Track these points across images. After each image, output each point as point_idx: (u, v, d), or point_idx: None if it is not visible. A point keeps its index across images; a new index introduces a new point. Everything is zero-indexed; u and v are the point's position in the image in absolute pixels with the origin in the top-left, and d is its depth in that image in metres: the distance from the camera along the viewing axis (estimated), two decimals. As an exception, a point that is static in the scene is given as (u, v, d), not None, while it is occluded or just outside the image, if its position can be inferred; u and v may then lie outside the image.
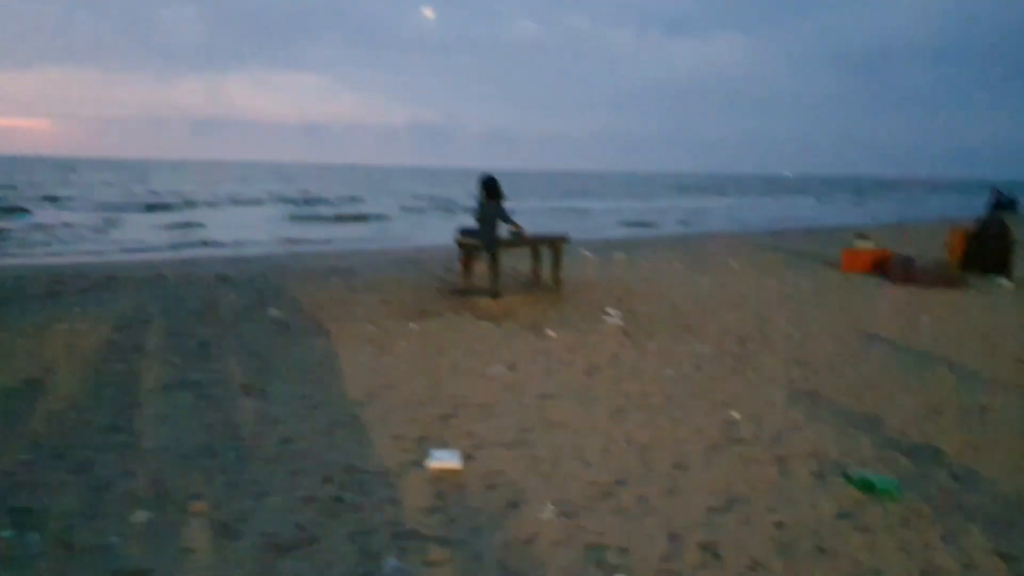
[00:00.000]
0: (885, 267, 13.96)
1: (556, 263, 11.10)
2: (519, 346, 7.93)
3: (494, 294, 10.29)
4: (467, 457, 4.94)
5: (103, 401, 5.83)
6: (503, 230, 10.40)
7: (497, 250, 10.30)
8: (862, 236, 16.25)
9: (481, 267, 10.70)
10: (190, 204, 38.97)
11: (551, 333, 8.46)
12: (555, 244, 11.12)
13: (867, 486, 4.76)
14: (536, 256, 11.43)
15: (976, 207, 41.95)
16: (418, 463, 4.82)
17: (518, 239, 10.64)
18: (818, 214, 46.77)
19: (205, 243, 21.45)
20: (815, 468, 5.01)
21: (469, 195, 51.89)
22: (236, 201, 43.51)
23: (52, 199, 39.09)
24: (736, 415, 5.95)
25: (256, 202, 43.31)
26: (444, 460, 4.79)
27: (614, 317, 9.48)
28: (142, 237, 22.78)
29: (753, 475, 4.87)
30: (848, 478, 4.90)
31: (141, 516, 4.03)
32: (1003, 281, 13.40)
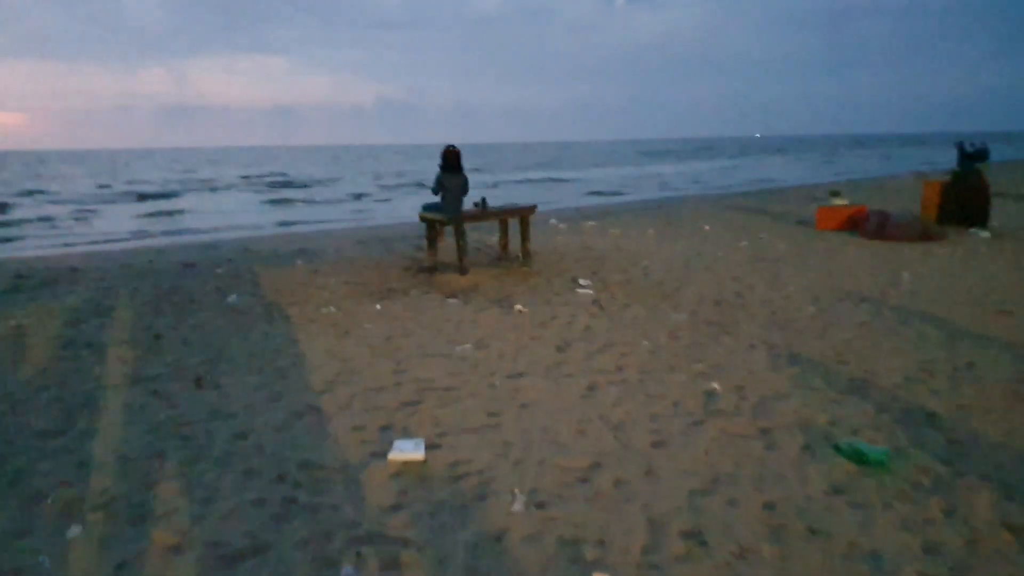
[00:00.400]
0: (860, 223, 13.73)
1: (524, 235, 10.77)
2: (488, 323, 7.61)
3: (461, 270, 9.95)
4: (432, 446, 4.63)
5: (43, 403, 5.44)
6: (467, 203, 10.06)
7: (462, 224, 9.95)
8: (836, 193, 16.01)
9: (447, 243, 10.35)
10: (164, 192, 38.17)
11: (521, 308, 8.13)
12: (523, 215, 10.78)
13: (858, 457, 4.49)
14: (504, 229, 11.10)
15: (944, 161, 41.83)
16: (380, 455, 4.50)
17: (484, 212, 10.29)
18: (790, 174, 46.65)
19: (175, 231, 20.90)
20: (802, 439, 4.73)
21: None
22: (212, 187, 42.69)
23: (27, 193, 38.20)
24: (716, 386, 5.67)
25: (230, 187, 42.49)
26: (407, 451, 4.46)
27: (586, 288, 9.18)
28: (115, 227, 22.18)
29: (737, 450, 4.58)
30: (838, 449, 4.63)
31: (76, 531, 3.68)
32: (982, 232, 13.21)
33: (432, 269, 10.21)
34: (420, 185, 38.95)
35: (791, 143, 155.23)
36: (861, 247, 12.25)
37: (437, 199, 10.02)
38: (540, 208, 24.03)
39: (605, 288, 9.22)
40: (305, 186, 42.44)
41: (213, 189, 41.39)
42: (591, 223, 16.02)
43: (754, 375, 5.93)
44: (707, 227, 15.03)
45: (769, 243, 12.78)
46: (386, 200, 32.21)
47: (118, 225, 22.97)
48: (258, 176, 53.32)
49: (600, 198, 30.80)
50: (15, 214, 27.12)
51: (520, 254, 10.86)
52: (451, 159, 9.85)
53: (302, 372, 6.08)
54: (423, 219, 10.28)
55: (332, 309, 8.19)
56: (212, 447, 4.66)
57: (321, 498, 4.00)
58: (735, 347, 6.69)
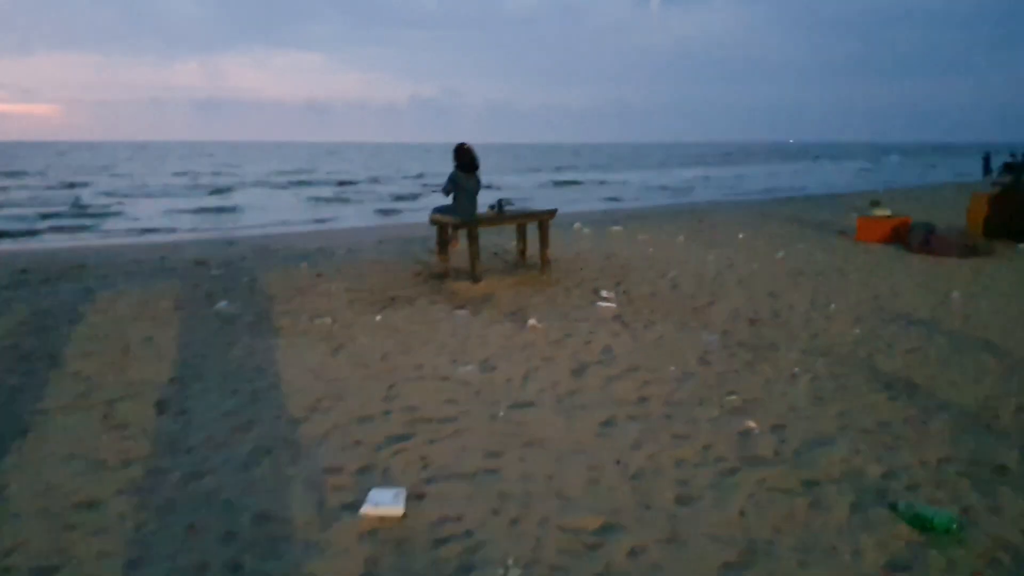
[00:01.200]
0: (904, 236, 12.85)
1: (543, 241, 10.03)
2: (497, 339, 6.88)
3: (474, 277, 9.24)
4: (416, 496, 3.92)
5: (-23, 429, 4.78)
6: (483, 206, 9.36)
7: (476, 228, 9.23)
8: (876, 203, 15.13)
9: (461, 247, 9.65)
10: (208, 186, 37.84)
11: (535, 323, 7.40)
12: (542, 220, 10.03)
13: (921, 523, 3.73)
14: (522, 234, 10.36)
15: (973, 171, 40.54)
16: (353, 507, 3.80)
17: (500, 215, 9.57)
18: (826, 181, 45.58)
19: (204, 228, 20.43)
20: (853, 496, 3.98)
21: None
22: (260, 183, 42.29)
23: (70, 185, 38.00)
24: (752, 424, 4.92)
25: (277, 185, 41.89)
26: (384, 504, 3.75)
27: (608, 301, 8.44)
28: (154, 221, 21.89)
29: (777, 510, 3.83)
30: (896, 510, 3.86)
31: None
32: (1033, 248, 12.32)
33: (443, 276, 9.51)
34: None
35: (826, 149, 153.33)
36: (905, 262, 11.39)
37: (449, 200, 9.30)
38: (565, 211, 23.28)
39: (629, 301, 8.48)
40: (349, 183, 42.00)
41: (262, 185, 40.94)
42: (617, 228, 15.25)
43: (795, 411, 5.17)
44: (741, 235, 14.20)
45: (808, 255, 11.95)
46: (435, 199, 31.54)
47: (157, 219, 22.64)
48: (305, 174, 52.69)
49: (628, 202, 30.02)
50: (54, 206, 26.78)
51: (538, 261, 10.12)
52: (465, 158, 9.14)
53: (281, 395, 5.39)
54: (434, 222, 9.57)
55: (327, 320, 7.50)
56: (157, 491, 3.97)
57: (272, 564, 3.30)
58: (773, 376, 5.93)
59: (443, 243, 9.56)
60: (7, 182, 39.64)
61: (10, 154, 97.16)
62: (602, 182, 39.73)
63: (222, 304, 8.11)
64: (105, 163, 68.85)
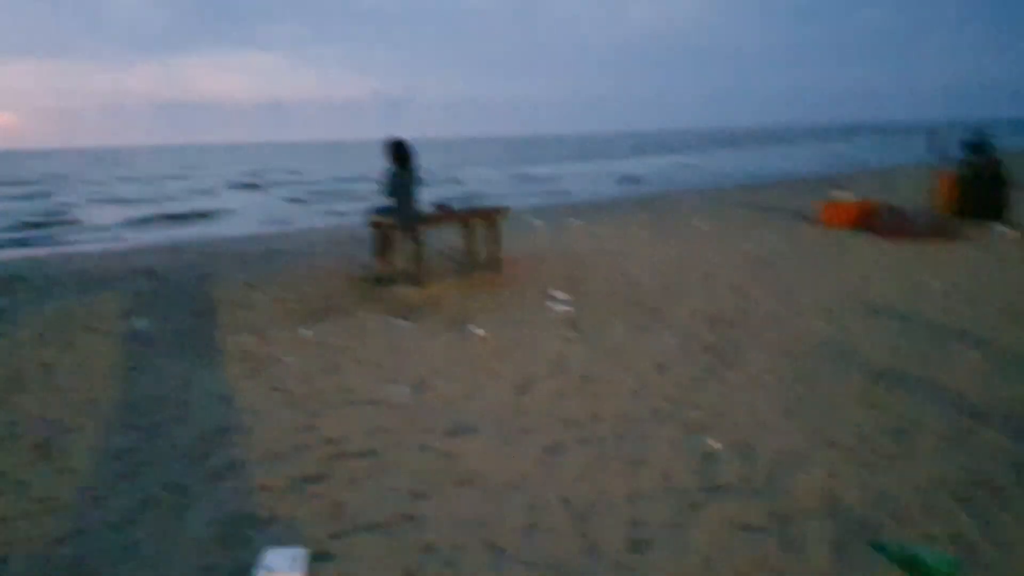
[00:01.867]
0: (871, 220, 12.39)
1: (493, 239, 9.41)
2: (438, 353, 6.27)
3: (417, 281, 8.60)
4: (319, 555, 3.29)
5: None
6: (425, 204, 8.74)
7: (418, 229, 8.60)
8: (838, 187, 14.67)
9: (402, 250, 9.02)
10: (169, 191, 36.80)
11: (479, 331, 6.80)
12: (490, 218, 9.41)
13: (917, 567, 3.14)
14: (471, 233, 9.74)
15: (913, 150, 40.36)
16: (244, 573, 3.15)
17: (444, 215, 8.94)
18: (790, 165, 45.39)
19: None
20: (833, 531, 3.43)
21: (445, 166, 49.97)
22: (216, 186, 41.25)
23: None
24: (715, 444, 4.35)
25: (235, 186, 40.86)
26: (278, 571, 3.12)
27: (561, 303, 7.85)
28: (109, 229, 21.09)
29: (747, 554, 3.26)
30: (884, 551, 3.27)
31: None
32: (1003, 228, 11.89)
33: (384, 281, 8.86)
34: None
35: (789, 133, 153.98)
36: (875, 247, 10.91)
37: (389, 201, 8.66)
38: (522, 205, 22.72)
39: (585, 302, 7.90)
40: (328, 183, 41.20)
41: (219, 187, 39.91)
42: (576, 222, 14.67)
43: (764, 426, 4.61)
44: (702, 225, 13.68)
45: (773, 244, 11.43)
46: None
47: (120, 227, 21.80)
48: (259, 174, 51.68)
49: (586, 195, 29.50)
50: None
51: (488, 261, 9.52)
52: (399, 151, 8.51)
53: (183, 430, 4.73)
54: (373, 225, 8.93)
55: (250, 337, 6.83)
56: (8, 564, 3.31)
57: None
58: (738, 383, 5.37)
59: (383, 246, 8.91)
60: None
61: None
62: (561, 175, 38.86)
63: (139, 323, 7.41)
64: (64, 171, 67.13)
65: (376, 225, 8.84)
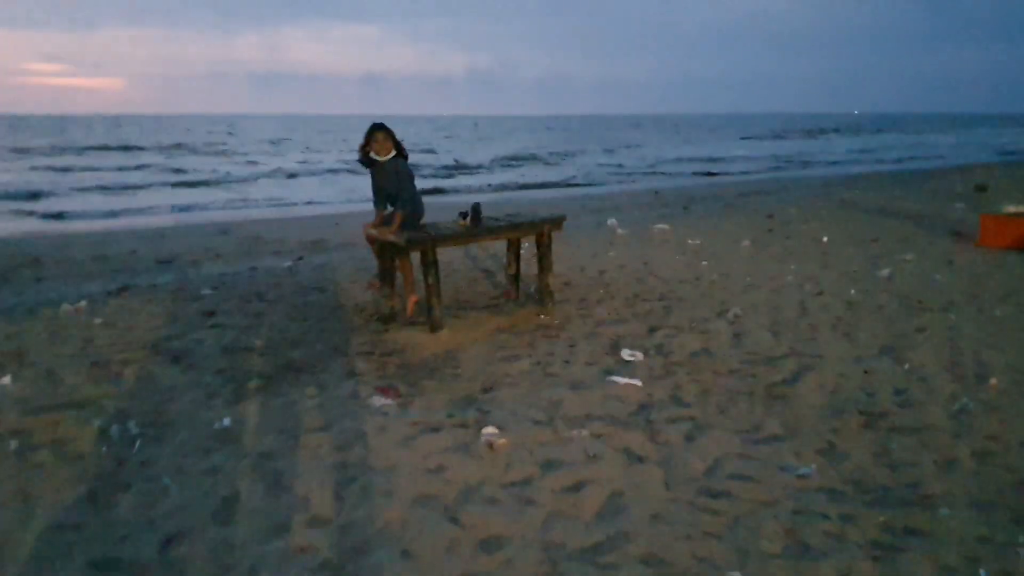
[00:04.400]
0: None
1: (543, 264, 6.83)
2: (413, 481, 3.77)
3: (432, 324, 6.09)
4: None
5: None
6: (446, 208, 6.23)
7: (434, 250, 6.08)
8: (983, 188, 11.62)
9: (410, 273, 6.54)
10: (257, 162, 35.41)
11: (494, 434, 4.25)
12: (541, 234, 6.82)
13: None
14: (515, 253, 7.17)
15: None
16: None
17: (473, 229, 6.39)
18: (905, 154, 41.51)
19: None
20: None
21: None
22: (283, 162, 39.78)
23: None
24: None
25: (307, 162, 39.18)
26: None
27: (631, 369, 5.27)
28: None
29: None
30: None
31: None
32: None
33: (388, 319, 6.37)
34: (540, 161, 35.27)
35: (893, 121, 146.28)
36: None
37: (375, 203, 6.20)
38: (602, 197, 20.07)
39: (666, 369, 5.33)
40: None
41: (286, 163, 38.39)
42: (662, 227, 11.90)
43: None
44: (824, 238, 10.79)
45: (923, 273, 8.55)
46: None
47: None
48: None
49: (679, 180, 26.63)
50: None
51: (537, 293, 6.95)
52: (386, 142, 6.11)
53: None
54: (371, 241, 6.44)
55: (127, 426, 4.41)
56: None
57: None
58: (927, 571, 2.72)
59: (385, 271, 6.43)
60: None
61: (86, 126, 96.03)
62: (652, 168, 35.56)
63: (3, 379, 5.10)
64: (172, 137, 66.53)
65: (374, 241, 6.35)
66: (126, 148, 45.68)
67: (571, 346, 5.91)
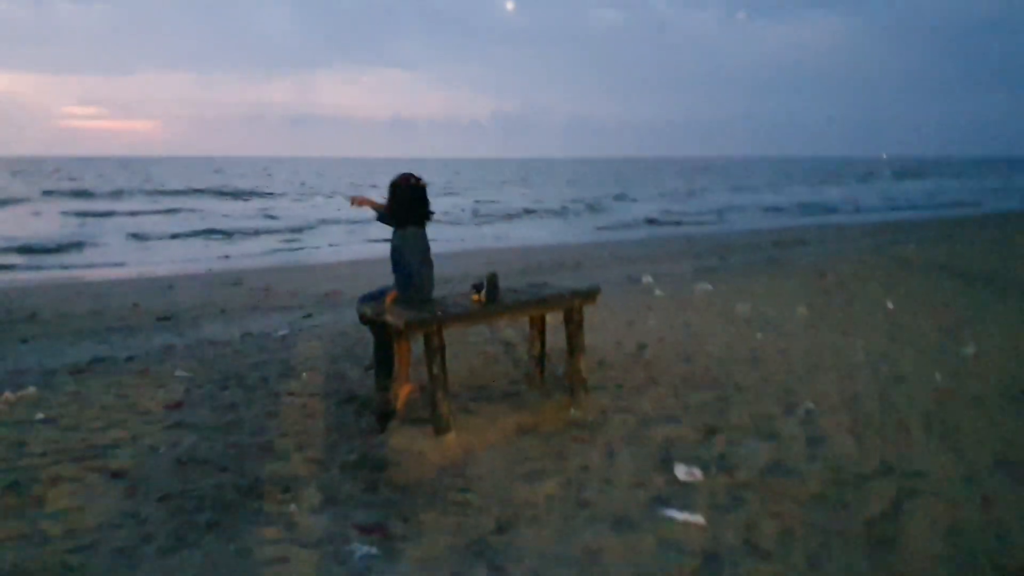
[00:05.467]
0: None
1: (573, 347, 5.66)
2: None
3: (438, 424, 4.92)
4: None
5: None
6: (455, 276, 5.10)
7: (439, 332, 4.93)
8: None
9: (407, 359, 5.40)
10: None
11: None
12: (571, 310, 5.65)
13: None
14: (538, 332, 6.00)
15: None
16: None
17: (489, 307, 5.23)
18: (939, 198, 40.20)
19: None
20: None
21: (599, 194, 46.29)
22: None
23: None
24: None
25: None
26: None
27: (690, 495, 4.08)
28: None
29: None
30: None
31: None
32: None
33: (385, 416, 5.21)
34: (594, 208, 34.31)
35: (922, 165, 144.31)
36: None
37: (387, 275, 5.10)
38: (630, 245, 18.99)
39: (733, 493, 4.16)
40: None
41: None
42: (705, 288, 10.70)
43: None
44: (889, 303, 9.54)
45: (1015, 349, 7.31)
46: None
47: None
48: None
49: (717, 228, 25.48)
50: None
51: (567, 380, 5.77)
52: (413, 196, 4.99)
53: None
54: (366, 321, 5.29)
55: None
56: None
57: None
58: None
59: (384, 359, 5.28)
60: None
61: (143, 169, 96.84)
62: (694, 222, 34.36)
63: None
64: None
65: (368, 321, 5.21)
66: (158, 192, 45.35)
67: (610, 455, 4.74)
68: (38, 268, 17.01)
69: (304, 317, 9.86)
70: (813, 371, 6.58)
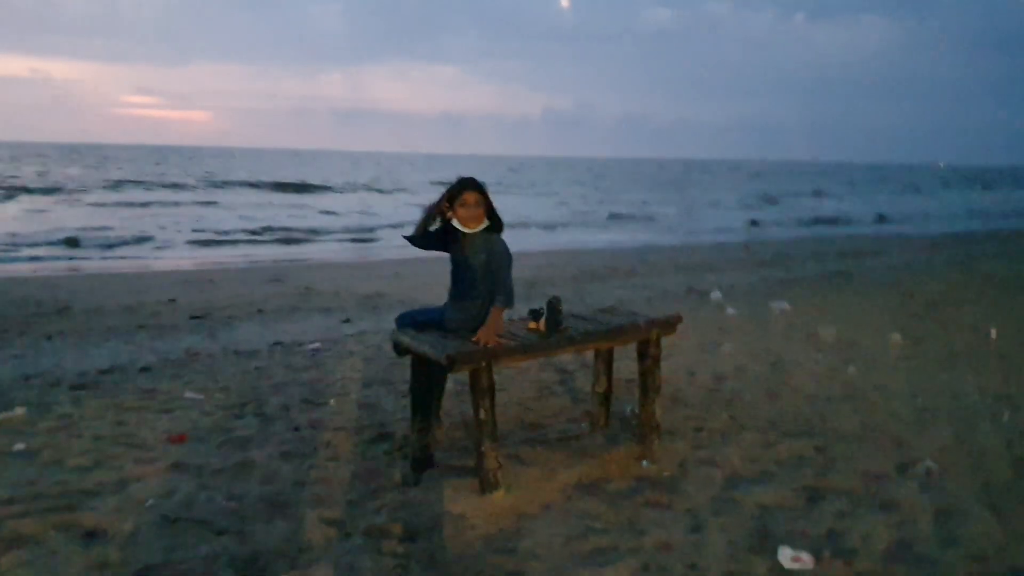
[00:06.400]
0: None
1: (648, 387, 4.74)
2: None
3: (484, 481, 4.05)
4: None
5: None
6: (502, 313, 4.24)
7: (488, 370, 4.05)
8: None
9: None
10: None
11: None
12: (646, 343, 4.73)
13: None
14: (605, 365, 5.09)
15: None
16: None
17: (549, 340, 4.31)
18: (1004, 207, 38.51)
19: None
20: None
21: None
22: None
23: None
24: None
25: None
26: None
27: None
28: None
29: None
30: None
31: None
32: None
33: (421, 464, 4.34)
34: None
35: (982, 173, 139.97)
36: None
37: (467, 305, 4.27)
38: (683, 250, 18.06)
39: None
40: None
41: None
42: (782, 307, 9.68)
43: None
44: (992, 330, 8.47)
45: None
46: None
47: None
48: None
49: (779, 232, 24.37)
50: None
51: (638, 424, 4.85)
52: (477, 208, 4.16)
53: None
54: (401, 351, 4.40)
55: None
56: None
57: None
58: None
59: (421, 396, 4.41)
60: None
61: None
62: (742, 207, 33.09)
63: None
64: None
65: (406, 351, 4.33)
66: (211, 184, 45.14)
67: (695, 528, 3.83)
68: (85, 258, 16.74)
69: (343, 322, 9.26)
70: (923, 417, 5.60)
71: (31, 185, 37.09)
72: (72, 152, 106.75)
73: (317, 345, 7.51)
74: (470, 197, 4.30)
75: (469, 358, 3.90)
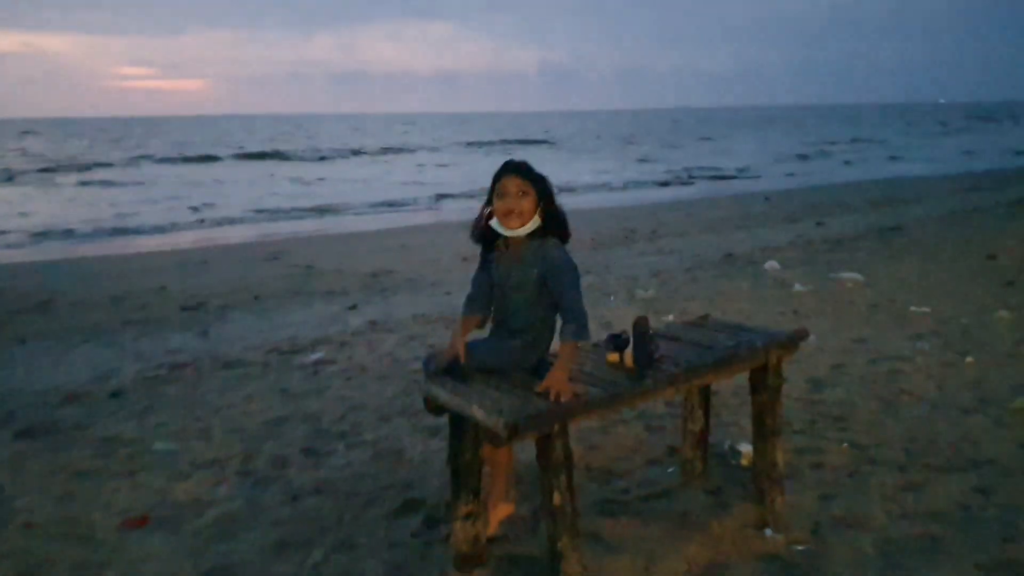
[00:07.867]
0: None
1: (765, 428, 3.50)
2: None
3: (554, 568, 2.81)
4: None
5: None
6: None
7: (563, 435, 2.80)
8: None
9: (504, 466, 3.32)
10: None
11: None
12: (761, 370, 3.47)
13: None
14: (702, 402, 3.84)
15: None
16: None
17: (649, 380, 3.05)
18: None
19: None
20: None
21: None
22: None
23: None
24: None
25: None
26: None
27: None
28: None
29: None
30: None
31: None
32: None
33: (467, 560, 3.12)
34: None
35: (986, 110, 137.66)
36: None
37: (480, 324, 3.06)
38: (699, 203, 16.89)
39: None
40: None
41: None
42: (854, 277, 8.42)
43: None
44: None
45: None
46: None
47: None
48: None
49: (779, 181, 23.16)
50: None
51: (754, 477, 3.60)
52: (524, 200, 2.89)
53: None
54: (435, 409, 3.14)
55: None
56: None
57: None
58: None
59: (464, 469, 3.17)
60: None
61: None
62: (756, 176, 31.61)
63: None
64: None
65: (442, 411, 3.10)
66: (200, 155, 44.10)
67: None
68: (75, 242, 15.98)
69: (349, 308, 8.34)
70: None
71: (25, 166, 36.34)
72: (69, 127, 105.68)
73: (320, 355, 6.31)
74: (510, 184, 3.03)
75: (537, 423, 2.68)
